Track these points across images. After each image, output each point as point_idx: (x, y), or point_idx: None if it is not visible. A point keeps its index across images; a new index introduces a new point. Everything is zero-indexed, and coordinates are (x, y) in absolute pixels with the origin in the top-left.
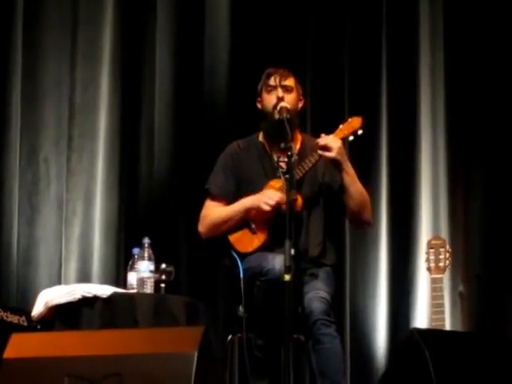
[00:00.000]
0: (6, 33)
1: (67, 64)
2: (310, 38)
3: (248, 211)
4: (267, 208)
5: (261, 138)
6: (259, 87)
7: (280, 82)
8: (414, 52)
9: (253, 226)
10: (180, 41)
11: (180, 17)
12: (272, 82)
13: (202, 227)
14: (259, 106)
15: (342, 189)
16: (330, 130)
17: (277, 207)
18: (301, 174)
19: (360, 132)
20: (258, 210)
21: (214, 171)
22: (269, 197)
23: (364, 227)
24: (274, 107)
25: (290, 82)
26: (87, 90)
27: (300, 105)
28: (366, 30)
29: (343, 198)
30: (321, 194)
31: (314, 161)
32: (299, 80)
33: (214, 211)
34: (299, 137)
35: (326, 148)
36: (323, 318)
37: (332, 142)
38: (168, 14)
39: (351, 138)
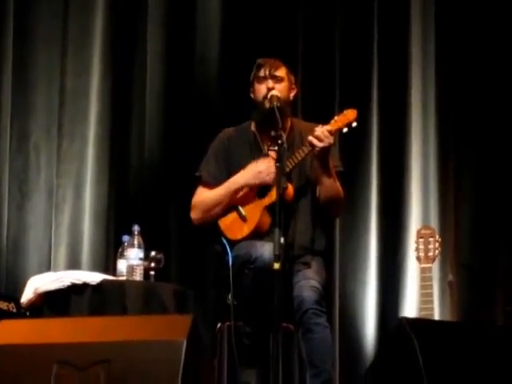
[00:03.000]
0: None
1: (58, 51)
2: (301, 27)
3: (238, 192)
4: (269, 178)
5: (253, 127)
6: (251, 78)
7: (270, 72)
8: (405, 41)
9: (243, 213)
10: (171, 28)
11: (171, 4)
12: (262, 73)
13: (194, 213)
14: (252, 95)
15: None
16: (320, 120)
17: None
18: (291, 167)
19: (354, 124)
20: (261, 184)
21: (205, 158)
22: (260, 169)
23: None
24: (265, 97)
25: (280, 72)
26: (78, 76)
27: (292, 94)
28: (357, 19)
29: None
30: (309, 183)
31: (303, 154)
32: (291, 69)
33: (205, 195)
34: (288, 123)
35: (317, 138)
36: (314, 307)
37: (324, 135)
38: (159, 1)
39: (345, 130)
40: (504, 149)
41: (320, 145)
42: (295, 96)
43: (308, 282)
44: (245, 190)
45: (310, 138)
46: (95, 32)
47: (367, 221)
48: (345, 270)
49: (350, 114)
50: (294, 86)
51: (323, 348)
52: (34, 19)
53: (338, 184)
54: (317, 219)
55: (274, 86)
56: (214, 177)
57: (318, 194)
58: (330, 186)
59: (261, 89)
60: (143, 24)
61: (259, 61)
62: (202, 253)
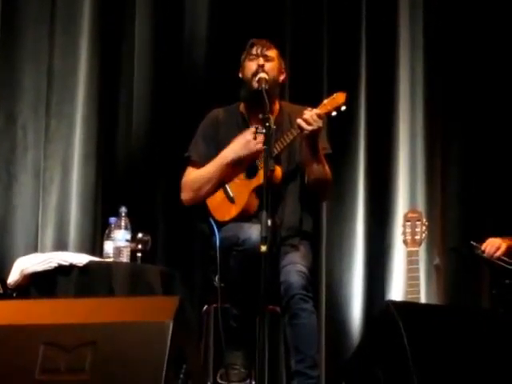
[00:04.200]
0: None
1: (46, 30)
2: (289, 9)
3: (228, 167)
4: (258, 146)
5: (241, 107)
6: (242, 57)
7: (262, 51)
8: (394, 24)
9: (231, 194)
10: (159, 9)
11: None
12: (254, 51)
13: (184, 194)
14: (240, 74)
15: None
16: (308, 103)
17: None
18: (279, 149)
19: (343, 108)
20: (251, 154)
21: (194, 139)
22: (247, 139)
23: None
24: (254, 74)
25: (271, 52)
26: (66, 56)
27: (281, 77)
28: (346, 1)
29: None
30: (298, 166)
31: (292, 137)
32: (281, 53)
33: (195, 174)
34: (277, 105)
35: (305, 121)
36: (302, 292)
37: (312, 118)
38: None
39: (334, 113)
40: (492, 132)
41: (309, 128)
42: (284, 80)
43: (295, 267)
44: (234, 168)
45: (299, 120)
46: (83, 12)
47: (354, 204)
48: (331, 253)
49: (340, 98)
50: (283, 70)
51: (309, 334)
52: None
53: (326, 167)
54: (305, 201)
55: (265, 64)
56: (203, 157)
57: (306, 177)
58: (318, 169)
59: (251, 66)
60: (132, 4)
61: (252, 40)
62: (188, 234)
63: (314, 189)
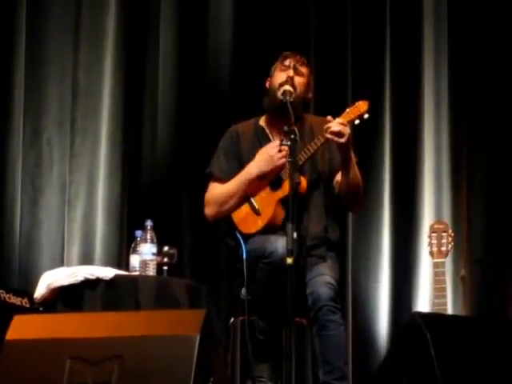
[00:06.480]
0: (9, 14)
1: (71, 45)
2: (314, 18)
3: (252, 182)
4: (282, 161)
5: (262, 121)
6: (272, 67)
7: (295, 65)
8: (418, 30)
9: (256, 206)
10: (184, 21)
11: None
12: (287, 62)
13: (208, 209)
14: (267, 84)
15: (336, 172)
16: (333, 113)
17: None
18: (303, 160)
19: (366, 116)
20: (275, 169)
21: (215, 155)
22: (271, 153)
23: (352, 211)
24: (281, 85)
25: (303, 69)
26: (90, 71)
27: (308, 95)
28: (370, 10)
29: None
30: (322, 175)
31: (316, 147)
32: (312, 71)
33: (218, 189)
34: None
35: (337, 134)
36: (330, 304)
37: (344, 129)
38: None
39: (357, 121)
40: None
41: (342, 140)
42: (310, 99)
43: (323, 278)
44: (258, 183)
45: (330, 136)
46: (108, 26)
47: (380, 216)
48: (358, 265)
49: (362, 106)
50: (311, 89)
51: (337, 345)
52: (47, 14)
53: (359, 175)
54: (329, 210)
55: (295, 77)
56: (225, 172)
57: (338, 187)
58: (353, 177)
59: (281, 76)
60: (156, 18)
61: (286, 53)
62: (215, 247)
63: (347, 199)
